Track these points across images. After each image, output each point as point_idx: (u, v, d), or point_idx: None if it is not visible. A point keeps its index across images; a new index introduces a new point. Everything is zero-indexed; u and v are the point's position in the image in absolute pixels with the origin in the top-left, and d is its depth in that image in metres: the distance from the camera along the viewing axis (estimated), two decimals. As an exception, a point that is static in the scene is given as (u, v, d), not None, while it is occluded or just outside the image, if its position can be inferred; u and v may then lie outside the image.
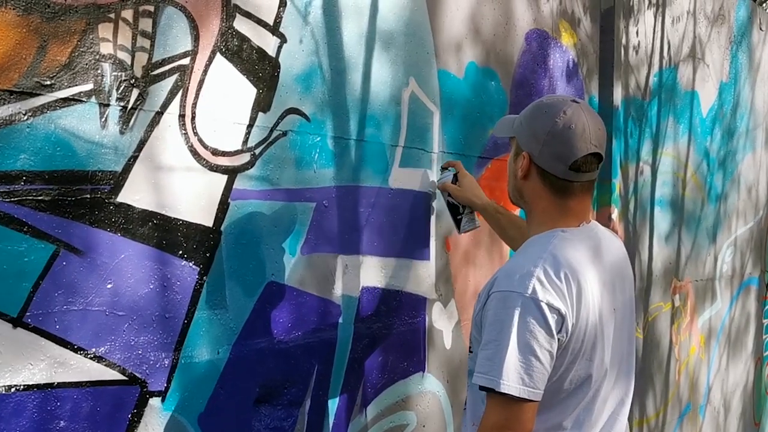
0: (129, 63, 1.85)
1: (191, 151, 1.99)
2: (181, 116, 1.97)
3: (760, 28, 5.24)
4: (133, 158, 1.87)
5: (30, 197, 1.69)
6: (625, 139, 3.82)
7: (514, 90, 3.08)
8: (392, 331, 2.60)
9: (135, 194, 1.88)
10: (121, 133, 1.85)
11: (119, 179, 1.85)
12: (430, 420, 2.78)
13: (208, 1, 2.01)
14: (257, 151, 2.15)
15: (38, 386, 1.72)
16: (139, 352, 1.91)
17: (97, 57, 1.79)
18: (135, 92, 1.87)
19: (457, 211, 2.64)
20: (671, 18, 4.20)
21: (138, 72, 1.87)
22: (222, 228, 2.07)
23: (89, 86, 1.78)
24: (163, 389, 1.97)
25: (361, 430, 2.51)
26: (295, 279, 2.28)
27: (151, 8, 1.88)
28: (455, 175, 2.63)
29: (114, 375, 1.86)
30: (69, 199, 1.76)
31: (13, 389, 1.68)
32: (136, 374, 1.91)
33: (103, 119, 1.81)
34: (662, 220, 4.25)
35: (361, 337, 2.50)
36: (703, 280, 4.78)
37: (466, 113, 2.84)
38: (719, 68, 4.76)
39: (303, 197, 2.28)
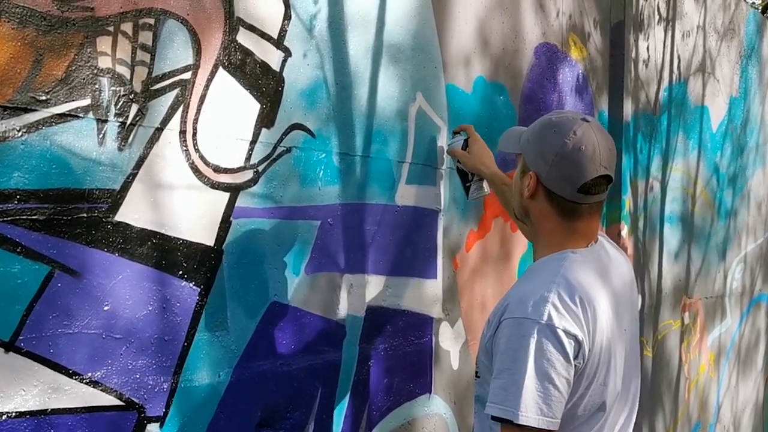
0: (128, 77, 1.80)
1: (192, 168, 1.95)
2: (182, 132, 1.92)
3: (771, 42, 5.21)
4: (132, 176, 1.83)
5: (24, 216, 1.64)
6: (635, 155, 3.78)
7: (523, 105, 3.03)
8: (398, 351, 2.55)
9: (134, 213, 1.83)
10: (120, 149, 1.80)
11: (117, 197, 1.80)
12: (437, 443, 2.72)
13: (211, 13, 1.96)
14: (260, 168, 2.10)
15: (31, 413, 1.67)
16: (137, 376, 1.86)
17: (95, 71, 1.74)
18: (134, 107, 1.82)
19: (466, 177, 2.57)
20: (681, 32, 4.17)
21: (137, 86, 1.82)
22: (223, 247, 2.03)
23: (86, 101, 1.73)
24: (162, 414, 1.92)
25: (366, 454, 2.46)
26: (299, 299, 2.23)
27: (152, 21, 1.84)
28: (466, 141, 2.56)
29: (110, 400, 1.81)
30: (65, 218, 1.71)
31: (4, 416, 1.63)
32: (134, 399, 1.86)
33: (101, 135, 1.76)
34: (672, 236, 4.21)
35: (366, 358, 2.45)
36: (713, 297, 4.75)
37: (474, 129, 2.78)
38: (729, 83, 4.73)
39: (307, 215, 2.23)
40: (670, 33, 4.07)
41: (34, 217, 1.66)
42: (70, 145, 1.71)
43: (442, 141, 2.66)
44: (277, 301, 2.17)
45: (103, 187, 1.77)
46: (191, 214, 1.95)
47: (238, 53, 2.03)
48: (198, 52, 1.94)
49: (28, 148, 1.64)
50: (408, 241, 2.57)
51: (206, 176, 1.98)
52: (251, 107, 2.07)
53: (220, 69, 1.99)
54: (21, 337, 1.65)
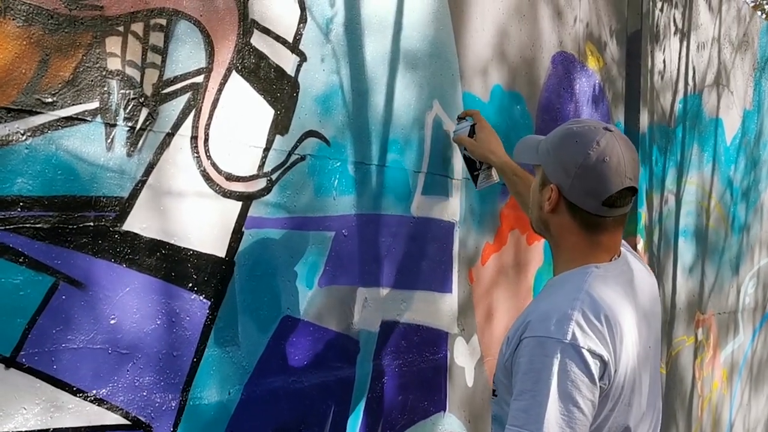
0: (138, 80, 1.74)
1: (203, 175, 1.88)
2: (194, 138, 1.86)
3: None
4: (141, 183, 1.76)
5: (28, 225, 1.58)
6: (651, 167, 3.73)
7: (540, 114, 2.97)
8: (412, 368, 2.49)
9: (142, 222, 1.77)
10: (128, 155, 1.73)
11: (125, 206, 1.74)
12: (452, 463, 2.64)
13: (224, 15, 1.90)
14: (274, 177, 2.04)
15: (32, 432, 1.61)
16: (144, 393, 1.79)
17: (104, 73, 1.68)
18: (144, 112, 1.76)
19: (474, 166, 2.48)
20: (696, 44, 4.12)
21: (148, 90, 1.76)
22: (235, 258, 1.96)
23: (94, 105, 1.67)
24: (170, 433, 1.86)
25: (380, 475, 2.39)
26: (312, 313, 2.16)
27: (163, 21, 1.78)
28: (473, 127, 2.45)
29: (116, 419, 1.74)
30: (70, 227, 1.64)
31: (4, 436, 1.57)
32: (141, 418, 1.79)
33: (109, 140, 1.70)
34: (686, 251, 4.16)
35: (380, 374, 2.39)
36: (726, 313, 4.71)
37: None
38: (743, 95, 4.69)
39: (321, 226, 2.17)
40: (685, 44, 4.02)
41: (38, 225, 1.59)
42: (76, 150, 1.64)
43: (458, 152, 2.59)
44: (290, 315, 2.10)
45: (111, 194, 1.71)
46: (202, 224, 1.89)
47: (252, 57, 1.96)
48: (211, 55, 1.88)
49: (33, 153, 1.58)
50: (423, 254, 2.50)
51: (218, 184, 1.91)
52: (265, 113, 2.01)
53: (234, 73, 1.93)
54: (22, 353, 1.58)
